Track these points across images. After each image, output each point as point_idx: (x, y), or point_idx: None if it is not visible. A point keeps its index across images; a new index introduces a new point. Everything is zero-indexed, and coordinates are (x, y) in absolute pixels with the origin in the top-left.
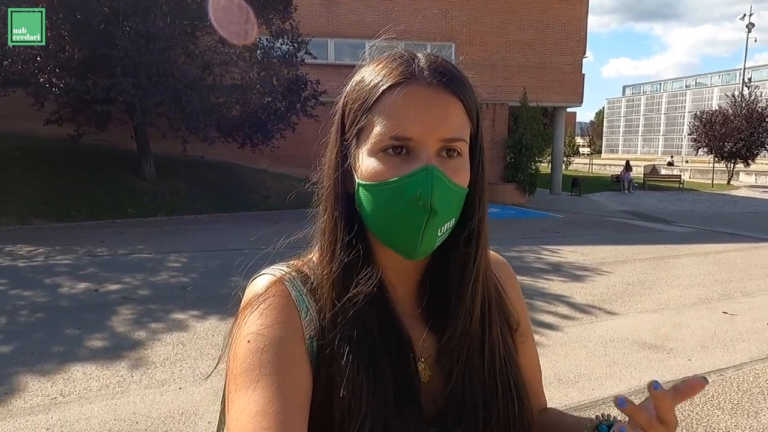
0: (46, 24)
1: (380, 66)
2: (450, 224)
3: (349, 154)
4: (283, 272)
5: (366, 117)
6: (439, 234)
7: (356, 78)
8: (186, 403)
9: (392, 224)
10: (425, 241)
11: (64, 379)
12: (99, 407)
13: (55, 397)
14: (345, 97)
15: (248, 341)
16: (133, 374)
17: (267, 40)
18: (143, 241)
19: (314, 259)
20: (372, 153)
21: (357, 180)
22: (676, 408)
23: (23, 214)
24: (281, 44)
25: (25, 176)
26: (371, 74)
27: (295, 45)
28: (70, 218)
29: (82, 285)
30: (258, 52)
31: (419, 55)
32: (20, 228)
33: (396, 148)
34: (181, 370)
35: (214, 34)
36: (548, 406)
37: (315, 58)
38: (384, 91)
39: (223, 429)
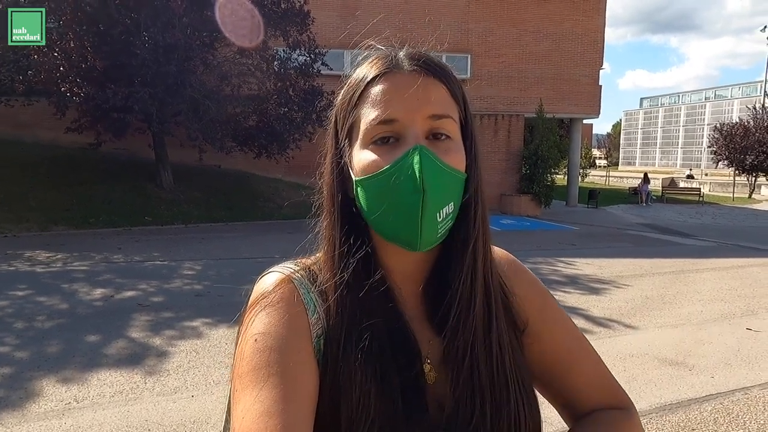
0: (70, 35)
1: (362, 66)
2: (449, 209)
3: (345, 156)
4: (291, 270)
5: (354, 113)
6: (438, 219)
7: (344, 85)
8: (198, 411)
9: (391, 215)
10: (425, 228)
11: (78, 384)
12: (112, 413)
13: (69, 403)
14: (336, 106)
15: (255, 340)
16: (147, 381)
17: (284, 51)
18: (159, 248)
19: (322, 258)
20: (363, 146)
21: (354, 179)
22: (700, 427)
23: (43, 221)
24: (298, 55)
25: (45, 183)
26: (355, 76)
27: (312, 56)
28: (89, 225)
29: (99, 291)
30: (275, 63)
31: (400, 50)
32: (40, 234)
33: (385, 139)
34: (193, 378)
35: (233, 46)
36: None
37: (331, 69)
38: (367, 84)
39: (229, 428)
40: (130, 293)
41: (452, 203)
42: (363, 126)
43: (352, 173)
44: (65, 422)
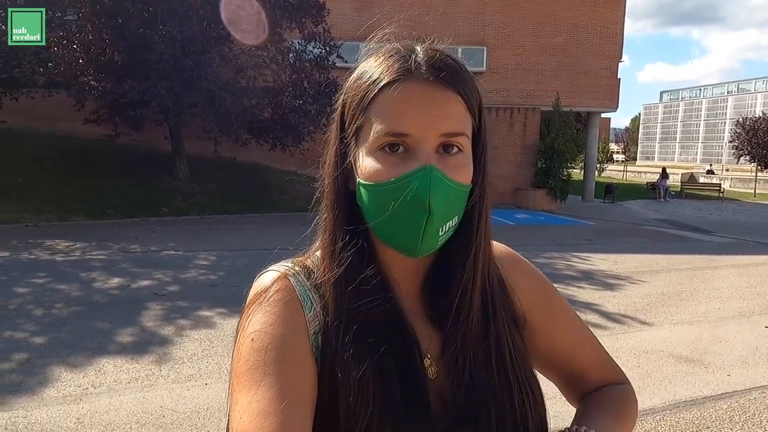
0: (89, 27)
1: (377, 62)
2: (453, 223)
3: (349, 152)
4: (288, 267)
5: (363, 115)
6: (441, 233)
7: (355, 74)
8: (211, 398)
9: (392, 224)
10: (426, 241)
11: (95, 371)
12: (128, 399)
13: (87, 388)
14: (344, 94)
15: (252, 339)
16: (162, 368)
17: (299, 43)
18: (175, 239)
19: (318, 254)
20: (370, 152)
21: (357, 179)
22: (715, 425)
23: (62, 211)
24: (313, 48)
25: (64, 175)
26: (369, 71)
27: (327, 49)
28: (106, 216)
29: (115, 280)
30: (290, 55)
31: (418, 48)
32: (59, 224)
33: (394, 146)
34: (207, 366)
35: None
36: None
37: (346, 61)
38: (381, 88)
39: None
40: (145, 282)
41: (456, 217)
42: (372, 132)
43: (356, 172)
44: (82, 407)
